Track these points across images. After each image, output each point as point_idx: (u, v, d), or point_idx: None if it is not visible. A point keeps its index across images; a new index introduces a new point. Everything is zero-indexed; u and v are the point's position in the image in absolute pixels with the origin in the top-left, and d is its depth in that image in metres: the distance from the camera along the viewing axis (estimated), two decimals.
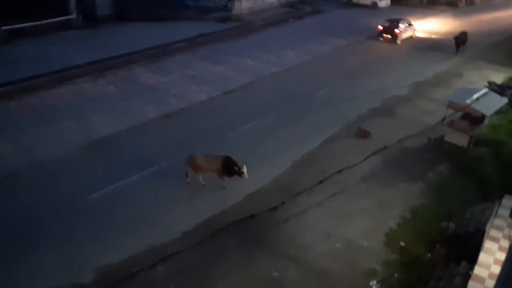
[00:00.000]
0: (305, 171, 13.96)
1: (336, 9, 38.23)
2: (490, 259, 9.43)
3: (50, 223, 11.42)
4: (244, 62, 23.79)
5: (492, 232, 10.24)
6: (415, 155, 15.05)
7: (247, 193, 12.74)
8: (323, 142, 15.72)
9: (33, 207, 12.01)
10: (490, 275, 8.96)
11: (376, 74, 22.34)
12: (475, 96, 14.70)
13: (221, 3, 33.32)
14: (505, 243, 9.76)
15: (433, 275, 9.88)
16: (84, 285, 9.71)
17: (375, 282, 9.88)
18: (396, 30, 27.79)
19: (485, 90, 15.87)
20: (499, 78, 21.63)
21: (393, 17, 29.59)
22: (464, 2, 41.34)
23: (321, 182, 12.57)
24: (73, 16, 28.81)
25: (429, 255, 10.73)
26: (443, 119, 15.17)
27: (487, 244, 9.90)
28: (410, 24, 28.96)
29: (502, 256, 9.20)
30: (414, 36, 29.44)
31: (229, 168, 12.47)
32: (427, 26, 32.45)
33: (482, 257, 9.49)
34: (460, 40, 25.54)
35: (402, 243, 11.08)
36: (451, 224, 11.61)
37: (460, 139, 15.02)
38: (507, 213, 10.62)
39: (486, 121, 15.67)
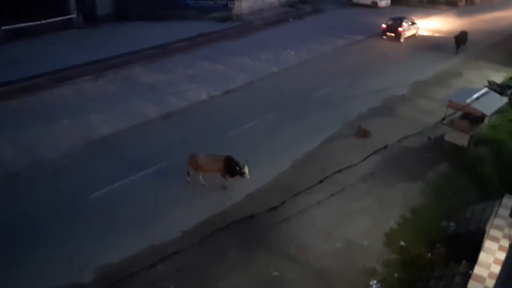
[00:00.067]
0: (305, 170, 13.96)
1: (336, 8, 38.21)
2: (490, 259, 9.43)
3: (50, 223, 11.43)
4: (244, 62, 23.78)
5: (492, 231, 10.24)
6: (415, 154, 15.05)
7: (247, 192, 12.75)
8: (323, 142, 15.73)
9: (33, 207, 12.02)
10: (490, 275, 8.96)
11: (376, 74, 22.34)
12: (475, 96, 14.70)
13: (221, 2, 33.31)
14: (505, 243, 9.76)
15: (433, 275, 9.89)
16: (84, 285, 9.72)
17: (375, 281, 9.87)
18: (400, 29, 28.29)
19: (485, 89, 15.85)
20: (499, 77, 21.61)
21: (397, 15, 30.02)
22: (464, 1, 41.32)
23: (321, 181, 12.54)
24: (73, 15, 28.79)
25: (429, 254, 10.73)
26: (443, 119, 15.16)
27: (487, 243, 9.90)
28: (413, 23, 29.45)
29: (502, 255, 9.20)
30: (417, 34, 29.86)
31: (231, 168, 12.46)
32: (428, 25, 32.51)
33: (482, 256, 9.49)
34: (460, 39, 25.54)
35: (402, 243, 11.09)
36: (451, 223, 11.62)
37: (460, 139, 15.03)
38: (507, 212, 10.63)
39: (486, 121, 15.67)
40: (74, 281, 9.75)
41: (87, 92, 19.61)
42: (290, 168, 14.13)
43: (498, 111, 15.87)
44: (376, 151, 14.53)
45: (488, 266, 9.24)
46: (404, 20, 28.80)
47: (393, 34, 28.46)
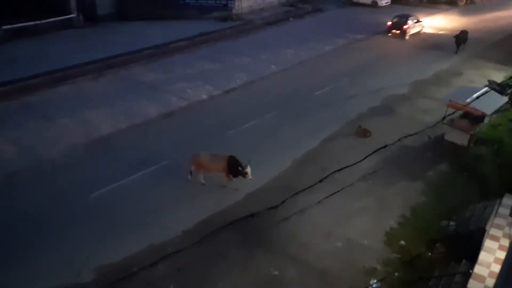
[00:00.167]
0: (305, 170, 13.96)
1: (336, 8, 38.17)
2: (491, 258, 9.43)
3: (50, 223, 11.42)
4: (244, 61, 23.76)
5: (492, 231, 10.25)
6: (415, 154, 15.05)
7: (247, 192, 12.75)
8: (323, 141, 15.73)
9: (33, 207, 12.01)
10: (490, 274, 8.97)
11: (376, 73, 22.33)
12: (475, 95, 14.68)
13: (221, 2, 33.24)
14: (505, 242, 9.77)
15: (433, 274, 9.88)
16: (84, 285, 9.72)
17: (375, 281, 9.87)
18: (405, 26, 28.79)
19: (485, 89, 15.85)
20: (499, 77, 21.60)
21: (402, 13, 30.51)
22: (464, 0, 41.30)
23: (321, 181, 12.50)
24: (73, 15, 28.72)
25: (430, 254, 10.73)
26: (443, 118, 15.16)
27: (488, 243, 9.90)
28: (418, 21, 29.95)
29: (502, 255, 9.21)
30: (421, 32, 30.39)
31: (234, 168, 12.47)
32: (431, 23, 32.75)
33: (483, 256, 9.49)
34: (461, 39, 25.53)
35: (402, 242, 11.09)
36: (451, 223, 11.62)
37: (460, 138, 15.03)
38: (508, 212, 10.65)
39: (486, 120, 15.67)
40: (74, 281, 9.74)
41: (87, 91, 19.61)
42: (290, 168, 14.13)
43: (498, 111, 15.87)
44: (376, 151, 14.51)
45: (488, 265, 9.24)
46: (410, 18, 29.28)
47: (398, 31, 28.97)
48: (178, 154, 13.96)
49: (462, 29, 26.45)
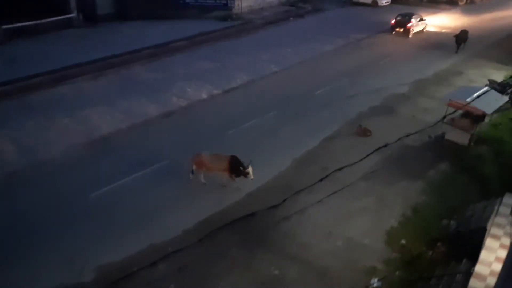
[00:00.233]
0: (305, 169, 13.94)
1: (336, 7, 38.20)
2: (491, 257, 9.40)
3: (50, 222, 11.40)
4: (244, 61, 23.73)
5: (493, 230, 10.21)
6: (416, 153, 15.04)
7: (247, 191, 12.73)
8: (324, 141, 15.72)
9: (33, 207, 11.99)
10: (492, 273, 8.94)
11: (376, 72, 22.32)
12: (475, 95, 14.67)
13: (221, 1, 33.26)
14: (506, 241, 9.74)
15: (434, 273, 9.86)
16: (85, 285, 9.70)
17: (376, 280, 9.86)
18: (408, 24, 29.15)
19: (485, 88, 15.83)
20: (499, 76, 21.58)
21: (405, 12, 30.92)
22: (464, 0, 41.31)
23: (321, 180, 12.49)
24: (73, 15, 28.72)
25: (430, 253, 10.71)
26: (444, 117, 15.14)
27: (488, 242, 9.87)
28: (421, 19, 30.32)
29: (503, 253, 9.18)
30: (425, 30, 30.71)
31: (235, 168, 12.45)
32: (434, 22, 32.93)
33: (483, 255, 9.46)
34: (461, 38, 25.54)
35: (403, 241, 11.07)
36: (452, 222, 11.60)
37: (460, 138, 15.01)
38: (508, 211, 10.62)
39: (486, 120, 15.65)
40: (74, 281, 9.72)
41: (87, 91, 19.59)
42: (290, 167, 14.11)
43: (499, 110, 15.84)
44: (376, 150, 14.51)
45: (489, 264, 9.21)
46: (413, 16, 29.58)
47: (402, 30, 29.29)
48: (178, 154, 13.95)
49: (462, 29, 26.45)
